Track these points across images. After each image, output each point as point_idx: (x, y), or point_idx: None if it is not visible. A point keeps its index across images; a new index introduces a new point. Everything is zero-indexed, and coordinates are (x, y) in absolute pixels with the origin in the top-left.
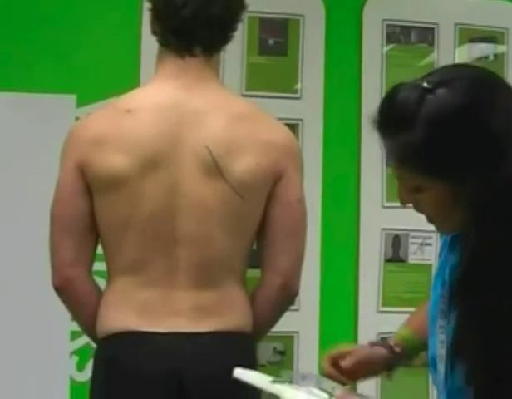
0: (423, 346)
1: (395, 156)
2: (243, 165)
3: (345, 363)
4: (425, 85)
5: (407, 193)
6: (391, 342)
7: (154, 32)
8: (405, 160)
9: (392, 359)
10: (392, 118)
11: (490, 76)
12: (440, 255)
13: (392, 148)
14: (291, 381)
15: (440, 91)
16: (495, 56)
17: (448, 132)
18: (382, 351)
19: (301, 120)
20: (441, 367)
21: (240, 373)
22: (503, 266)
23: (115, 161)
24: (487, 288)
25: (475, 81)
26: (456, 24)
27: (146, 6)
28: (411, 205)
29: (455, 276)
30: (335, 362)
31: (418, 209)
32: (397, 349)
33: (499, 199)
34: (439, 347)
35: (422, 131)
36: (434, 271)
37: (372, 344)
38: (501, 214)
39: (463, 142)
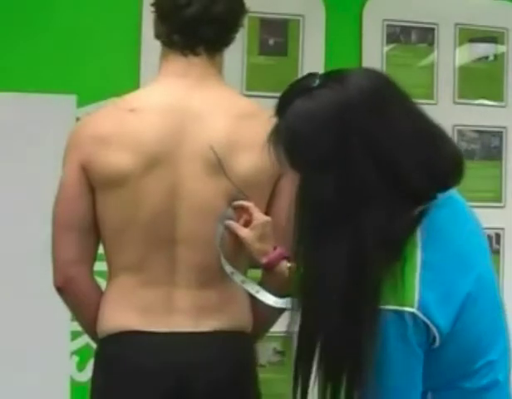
0: None
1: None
2: (246, 163)
3: None
4: (312, 84)
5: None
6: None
7: (157, 36)
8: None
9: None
10: (279, 101)
11: (383, 91)
12: None
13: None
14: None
15: (320, 93)
16: (495, 56)
17: (296, 131)
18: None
19: None
20: None
21: None
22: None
23: (117, 160)
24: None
25: (349, 96)
26: (456, 24)
27: (148, 9)
28: None
29: None
30: None
31: None
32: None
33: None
34: None
35: (284, 123)
36: None
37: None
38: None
39: (305, 144)
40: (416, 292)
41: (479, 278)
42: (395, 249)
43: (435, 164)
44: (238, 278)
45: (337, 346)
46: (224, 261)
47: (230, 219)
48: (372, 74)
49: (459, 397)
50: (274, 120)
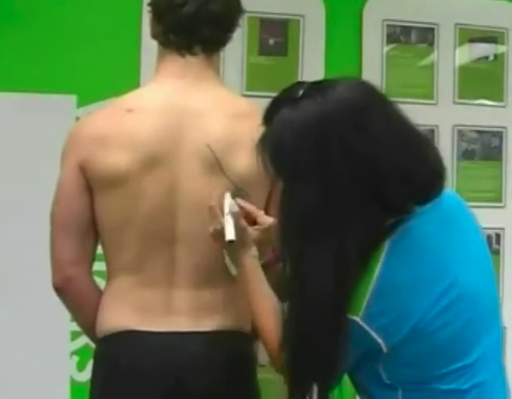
0: None
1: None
2: (244, 162)
3: None
4: (297, 95)
5: None
6: None
7: (154, 36)
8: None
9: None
10: (267, 109)
11: (364, 104)
12: None
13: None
14: None
15: (303, 103)
16: (495, 56)
17: (279, 140)
18: None
19: None
20: None
21: None
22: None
23: (115, 160)
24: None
25: (331, 108)
26: (456, 24)
27: (147, 8)
28: None
29: None
30: None
31: None
32: None
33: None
34: None
35: (269, 132)
36: None
37: None
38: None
39: (287, 154)
40: (365, 302)
41: (453, 285)
42: (366, 260)
43: (416, 175)
44: None
45: (313, 352)
46: (228, 262)
47: (234, 212)
48: (356, 85)
49: (430, 398)
50: (262, 128)
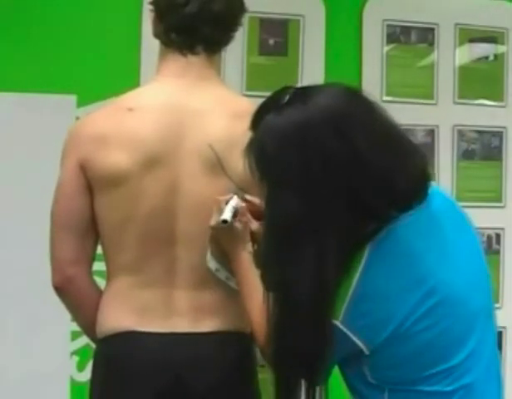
0: None
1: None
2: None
3: None
4: (283, 101)
5: None
6: None
7: (156, 35)
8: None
9: None
10: (254, 114)
11: (346, 111)
12: None
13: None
14: None
15: (286, 110)
16: (495, 56)
17: (262, 147)
18: None
19: None
20: None
21: None
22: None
23: (116, 159)
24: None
25: (317, 115)
26: (456, 24)
27: (148, 8)
28: None
29: None
30: None
31: None
32: None
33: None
34: None
35: (255, 137)
36: None
37: None
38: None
39: (269, 160)
40: (344, 306)
41: (434, 289)
42: (347, 265)
43: (396, 183)
44: (222, 274)
45: (295, 353)
46: (209, 257)
47: (241, 207)
48: (339, 92)
49: None
50: (250, 133)
